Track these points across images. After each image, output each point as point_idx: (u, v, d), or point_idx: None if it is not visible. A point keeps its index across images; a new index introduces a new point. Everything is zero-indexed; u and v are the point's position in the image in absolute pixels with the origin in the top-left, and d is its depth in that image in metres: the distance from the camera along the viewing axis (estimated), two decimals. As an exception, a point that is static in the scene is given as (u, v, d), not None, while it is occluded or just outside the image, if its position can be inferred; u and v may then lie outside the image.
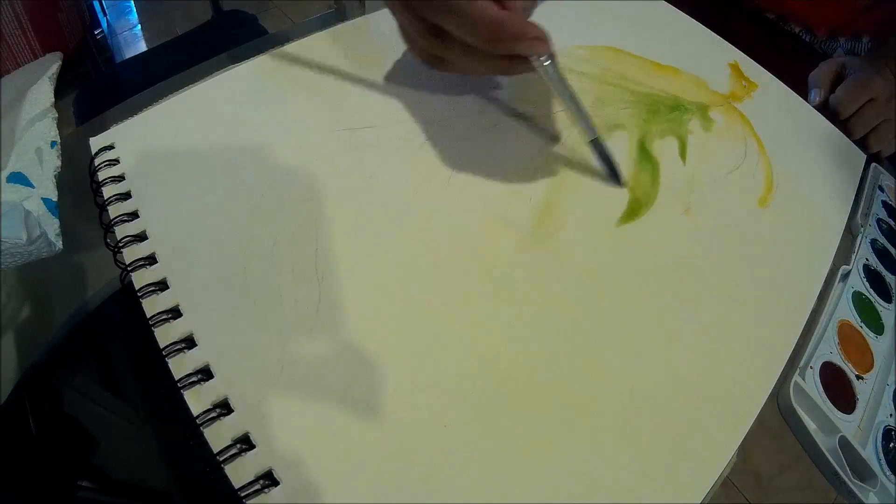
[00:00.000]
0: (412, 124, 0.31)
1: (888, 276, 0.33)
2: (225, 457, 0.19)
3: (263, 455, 0.20)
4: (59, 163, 0.28)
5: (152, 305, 0.23)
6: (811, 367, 0.28)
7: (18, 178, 0.27)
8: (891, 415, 0.28)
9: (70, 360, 0.29)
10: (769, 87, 0.39)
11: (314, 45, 0.35)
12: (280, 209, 0.26)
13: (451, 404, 0.22)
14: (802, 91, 0.41)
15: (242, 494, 0.19)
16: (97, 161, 0.28)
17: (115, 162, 0.28)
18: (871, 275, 0.33)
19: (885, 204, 0.37)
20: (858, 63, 0.43)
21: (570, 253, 0.27)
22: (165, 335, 0.22)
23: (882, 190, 0.38)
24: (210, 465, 0.19)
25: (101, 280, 0.30)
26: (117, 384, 0.29)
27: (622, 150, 0.32)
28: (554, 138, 0.32)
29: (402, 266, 0.25)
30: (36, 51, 0.40)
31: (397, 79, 0.33)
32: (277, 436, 0.20)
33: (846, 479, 0.25)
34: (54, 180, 0.28)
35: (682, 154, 0.33)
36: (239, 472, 0.19)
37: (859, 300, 0.31)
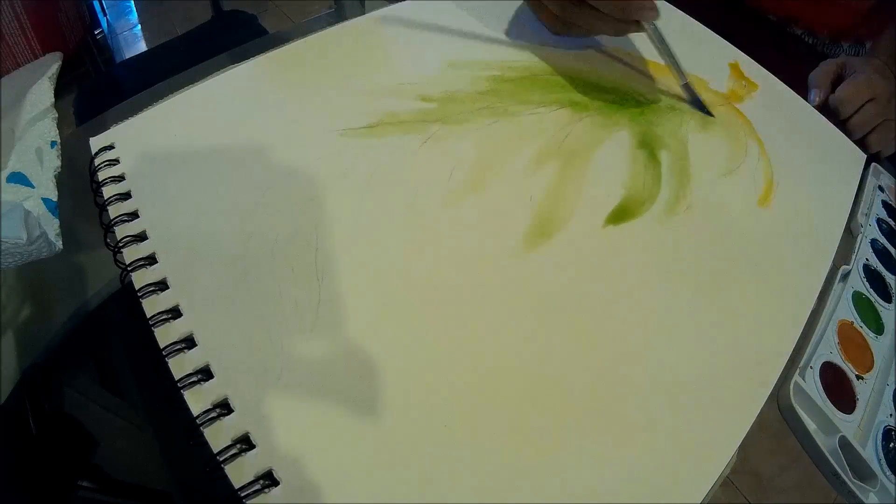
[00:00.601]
0: (412, 124, 0.31)
1: (888, 276, 0.33)
2: (225, 457, 0.19)
3: (263, 455, 0.20)
4: (59, 163, 0.28)
5: (152, 305, 0.23)
6: (811, 367, 0.28)
7: (18, 178, 0.27)
8: (891, 415, 0.28)
9: (70, 360, 0.29)
10: (769, 87, 0.39)
11: (314, 45, 0.35)
12: (280, 209, 0.26)
13: (451, 404, 0.22)
14: (803, 91, 0.41)
15: (242, 494, 0.19)
16: (97, 161, 0.28)
17: (115, 162, 0.28)
18: (872, 275, 0.33)
19: (885, 204, 0.37)
20: (858, 63, 0.43)
21: (571, 252, 0.27)
22: (165, 335, 0.22)
23: (882, 190, 0.38)
24: (210, 465, 0.19)
25: (101, 280, 0.30)
26: (117, 384, 0.29)
27: (623, 150, 0.32)
28: (555, 136, 0.32)
29: (402, 266, 0.25)
30: (36, 51, 0.40)
31: (397, 77, 0.33)
32: (277, 436, 0.20)
33: (846, 479, 0.25)
34: (54, 180, 0.28)
35: (683, 154, 0.33)
36: (239, 472, 0.19)
37: (859, 300, 0.31)
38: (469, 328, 0.24)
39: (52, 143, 0.29)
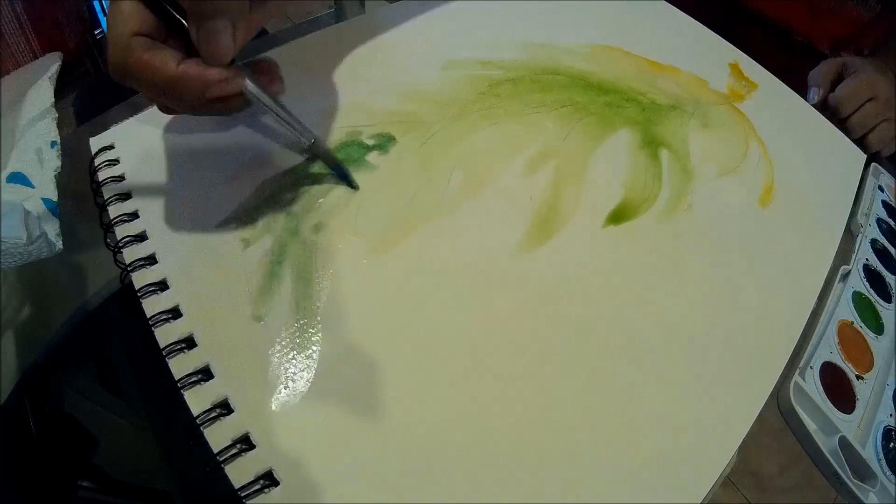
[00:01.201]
0: (412, 123, 0.31)
1: (888, 276, 0.33)
2: (225, 457, 0.19)
3: (263, 455, 0.20)
4: (59, 163, 0.28)
5: (152, 305, 0.23)
6: (811, 368, 0.28)
7: (18, 178, 0.27)
8: (891, 415, 0.28)
9: (70, 360, 0.29)
10: (769, 87, 0.39)
11: (314, 45, 0.35)
12: (280, 209, 0.26)
13: (450, 404, 0.22)
14: (804, 92, 0.41)
15: (242, 494, 0.19)
16: (97, 161, 0.28)
17: (115, 162, 0.28)
18: (871, 275, 0.33)
19: (885, 204, 0.37)
20: (859, 62, 0.43)
21: (571, 252, 0.27)
22: (165, 335, 0.22)
23: (882, 190, 0.38)
24: (210, 465, 0.19)
25: (101, 280, 0.30)
26: (117, 384, 0.29)
27: (623, 150, 0.32)
28: (554, 136, 0.32)
29: (402, 266, 0.25)
30: (36, 51, 0.40)
31: (397, 77, 0.33)
32: (277, 436, 0.20)
33: (846, 479, 0.25)
34: (54, 180, 0.28)
35: (683, 154, 0.33)
36: (239, 472, 0.19)
37: (859, 300, 0.31)
38: (469, 328, 0.24)
39: (53, 144, 0.29)
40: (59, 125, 0.30)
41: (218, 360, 0.22)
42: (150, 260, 0.24)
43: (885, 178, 0.39)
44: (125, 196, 0.27)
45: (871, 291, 0.32)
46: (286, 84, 0.26)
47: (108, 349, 0.30)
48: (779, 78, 0.40)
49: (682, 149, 0.33)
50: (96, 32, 0.52)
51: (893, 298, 0.33)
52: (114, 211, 0.26)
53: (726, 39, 0.42)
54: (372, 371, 0.22)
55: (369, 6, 0.41)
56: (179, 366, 0.22)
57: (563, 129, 0.32)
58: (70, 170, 0.29)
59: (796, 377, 0.26)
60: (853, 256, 0.33)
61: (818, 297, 0.28)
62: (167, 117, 0.30)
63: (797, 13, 0.50)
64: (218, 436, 0.20)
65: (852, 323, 0.30)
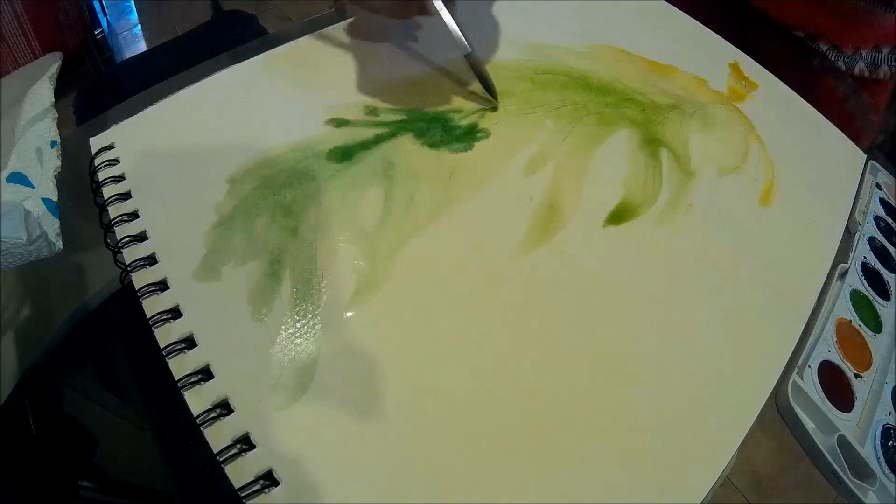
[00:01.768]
0: (412, 123, 0.31)
1: (886, 275, 0.33)
2: (225, 457, 0.20)
3: (263, 455, 0.20)
4: (59, 163, 0.28)
5: (152, 305, 0.23)
6: (809, 367, 0.28)
7: (18, 178, 0.27)
8: (889, 413, 0.28)
9: (70, 360, 0.29)
10: (769, 87, 0.39)
11: (314, 44, 0.35)
12: (280, 209, 0.26)
13: (451, 403, 0.22)
14: (804, 92, 0.41)
15: (242, 494, 0.19)
16: (97, 161, 0.28)
17: (115, 162, 0.28)
18: (869, 273, 0.33)
19: (882, 201, 0.37)
20: None
21: (571, 252, 0.27)
22: (165, 335, 0.22)
23: (880, 188, 0.38)
24: (210, 465, 0.19)
25: (101, 280, 0.30)
26: (117, 384, 0.29)
27: (623, 150, 0.32)
28: (555, 136, 0.32)
29: (402, 266, 0.25)
30: (36, 51, 0.40)
31: (397, 77, 0.33)
32: (277, 436, 0.20)
33: (845, 479, 0.25)
34: (54, 180, 0.28)
35: (683, 154, 0.33)
36: (239, 472, 0.19)
37: (857, 298, 0.31)
38: (469, 328, 0.24)
39: (53, 143, 0.29)
40: (59, 125, 0.30)
41: (218, 360, 0.22)
42: (150, 260, 0.24)
43: (883, 175, 0.39)
44: (125, 196, 0.27)
45: (870, 290, 0.32)
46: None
47: (108, 349, 0.30)
48: (779, 78, 0.40)
49: (682, 149, 0.33)
50: (96, 32, 0.52)
51: (892, 296, 0.33)
52: (114, 211, 0.26)
53: (726, 39, 0.42)
54: (372, 371, 0.22)
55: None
56: (179, 366, 0.22)
57: (563, 129, 0.32)
58: (70, 170, 0.29)
59: (794, 376, 0.26)
60: (851, 255, 0.33)
61: (818, 297, 0.28)
62: (167, 117, 0.30)
63: (825, 19, 0.50)
64: (218, 436, 0.20)
65: (851, 321, 0.30)
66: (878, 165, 0.39)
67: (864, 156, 0.38)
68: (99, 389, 0.29)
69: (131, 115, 0.30)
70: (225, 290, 0.24)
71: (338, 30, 0.36)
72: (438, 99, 0.33)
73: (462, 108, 0.32)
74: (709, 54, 0.40)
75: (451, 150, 0.30)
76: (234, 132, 0.30)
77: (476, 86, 0.33)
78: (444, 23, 0.30)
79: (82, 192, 0.28)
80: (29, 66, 0.36)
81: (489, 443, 0.21)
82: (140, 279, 0.24)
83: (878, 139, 0.47)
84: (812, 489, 0.26)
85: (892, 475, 0.26)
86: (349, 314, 0.23)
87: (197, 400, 0.21)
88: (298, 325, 0.23)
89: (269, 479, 0.19)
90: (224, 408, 0.21)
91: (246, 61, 0.34)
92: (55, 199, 0.27)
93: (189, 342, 0.22)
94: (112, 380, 0.29)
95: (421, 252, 0.26)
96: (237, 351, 0.22)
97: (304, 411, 0.21)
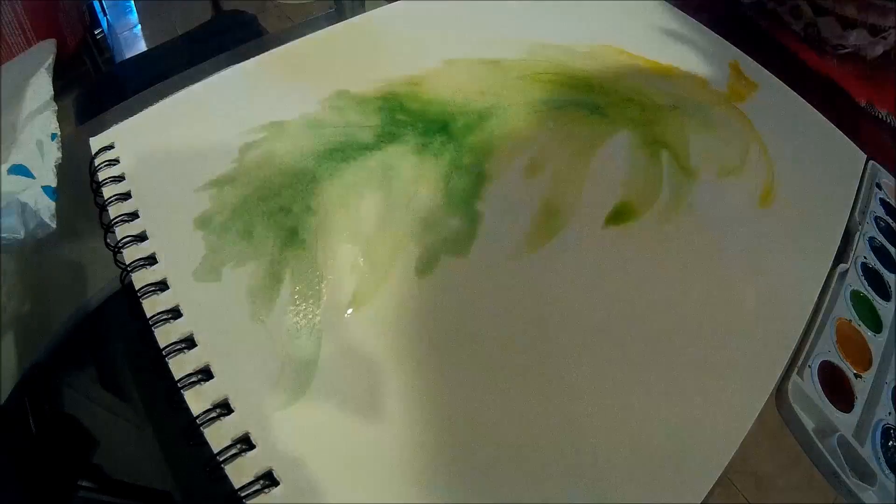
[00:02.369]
0: (412, 124, 0.31)
1: (886, 274, 0.33)
2: (225, 457, 0.20)
3: (263, 455, 0.20)
4: (59, 154, 0.28)
5: (152, 305, 0.23)
6: (809, 367, 0.28)
7: (20, 170, 0.27)
8: (889, 413, 0.28)
9: (70, 360, 0.29)
10: (769, 87, 0.39)
11: (314, 44, 0.35)
12: (280, 209, 0.26)
13: (451, 403, 0.22)
14: (804, 92, 0.41)
15: (242, 494, 0.19)
16: (97, 161, 0.28)
17: (115, 162, 0.28)
18: (869, 273, 0.33)
19: (882, 201, 0.37)
20: None
21: (571, 253, 0.27)
22: (165, 335, 0.22)
23: (880, 187, 0.38)
24: (210, 465, 0.19)
25: (101, 280, 0.30)
26: (117, 384, 0.29)
27: (623, 150, 0.32)
28: (555, 136, 0.32)
29: (403, 266, 0.25)
30: (36, 51, 0.40)
31: (397, 78, 0.33)
32: (277, 436, 0.20)
33: (845, 479, 0.25)
34: (55, 170, 0.28)
35: (683, 154, 0.33)
36: (239, 472, 0.19)
37: (857, 298, 0.31)
38: (469, 328, 0.24)
39: (53, 136, 0.29)
40: (59, 125, 0.30)
41: (218, 360, 0.22)
42: (150, 260, 0.24)
43: (883, 175, 0.39)
44: (125, 196, 0.27)
45: (870, 290, 0.32)
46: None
47: (108, 349, 0.30)
48: (779, 78, 0.40)
49: (682, 149, 0.33)
50: (96, 32, 0.52)
51: (892, 296, 0.33)
52: (114, 211, 0.26)
53: (726, 39, 0.42)
54: (372, 371, 0.22)
55: (370, 6, 0.41)
56: (179, 366, 0.22)
57: (563, 129, 0.32)
58: (70, 170, 0.29)
59: (794, 376, 0.26)
60: (851, 255, 0.33)
61: (818, 297, 0.28)
62: (167, 117, 0.30)
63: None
64: (218, 436, 0.20)
65: (851, 321, 0.30)
66: (878, 166, 0.39)
67: (864, 156, 0.38)
68: (99, 389, 0.29)
69: (131, 115, 0.30)
70: (225, 290, 0.24)
71: (338, 30, 0.36)
72: (438, 99, 0.33)
73: (462, 109, 0.32)
74: (709, 54, 0.40)
75: (450, 151, 0.30)
76: (234, 132, 0.30)
77: (476, 85, 0.33)
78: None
79: (82, 193, 0.28)
80: (23, 55, 0.36)
81: (488, 442, 0.21)
82: (140, 279, 0.24)
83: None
84: (812, 489, 0.26)
85: (892, 475, 0.26)
86: (349, 314, 0.23)
87: (197, 400, 0.21)
88: (298, 325, 0.23)
89: (269, 479, 0.19)
90: (224, 408, 0.21)
91: (246, 61, 0.34)
92: (54, 185, 0.27)
93: (189, 342, 0.22)
94: (112, 380, 0.29)
95: (422, 250, 0.26)
96: (237, 351, 0.22)
97: (304, 411, 0.21)
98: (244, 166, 0.28)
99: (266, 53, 0.34)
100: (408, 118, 0.31)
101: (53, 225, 0.26)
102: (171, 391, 0.21)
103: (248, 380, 0.21)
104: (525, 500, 0.20)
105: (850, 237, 0.34)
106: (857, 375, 0.29)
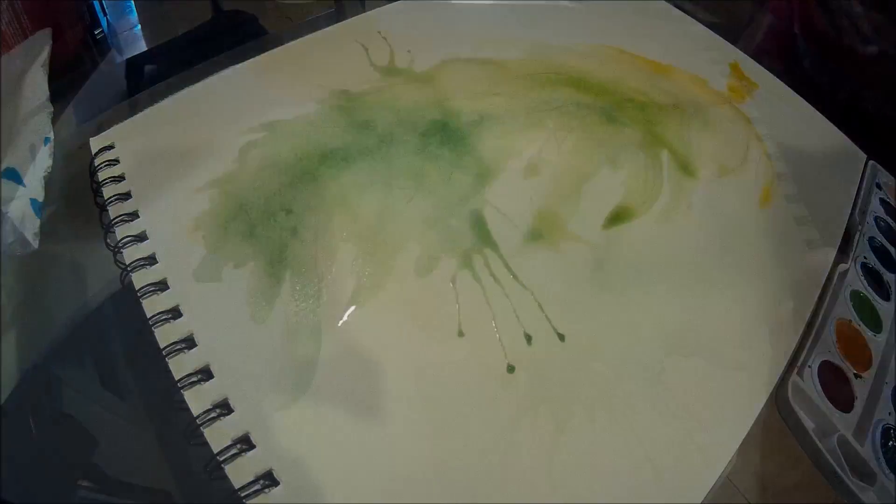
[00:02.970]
0: (412, 124, 0.31)
1: (886, 275, 0.33)
2: (225, 457, 0.20)
3: (263, 455, 0.20)
4: (50, 162, 0.28)
5: (152, 305, 0.23)
6: (809, 367, 0.28)
7: (12, 175, 0.27)
8: (889, 413, 0.28)
9: (70, 360, 0.29)
10: (769, 87, 0.39)
11: (314, 44, 0.35)
12: (280, 210, 0.26)
13: (451, 403, 0.22)
14: (804, 92, 0.41)
15: (242, 494, 0.19)
16: (97, 161, 0.28)
17: (115, 162, 0.28)
18: (870, 273, 0.33)
19: (882, 201, 0.37)
20: None
21: (571, 253, 0.27)
22: (165, 335, 0.22)
23: (880, 187, 0.38)
24: (210, 465, 0.19)
25: (101, 280, 0.30)
26: (117, 384, 0.29)
27: (624, 150, 0.32)
28: (555, 136, 0.32)
29: (403, 265, 0.25)
30: (35, 51, 0.40)
31: (397, 78, 0.33)
32: (277, 436, 0.20)
33: (845, 478, 0.25)
34: (43, 181, 0.28)
35: (683, 154, 0.33)
36: (239, 472, 0.19)
37: (857, 298, 0.31)
38: (469, 327, 0.24)
39: (46, 140, 0.29)
40: (59, 125, 0.30)
41: (218, 360, 0.22)
42: (150, 260, 0.24)
43: (883, 175, 0.39)
44: (125, 196, 0.27)
45: (870, 290, 0.32)
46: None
47: (108, 349, 0.30)
48: (779, 78, 0.40)
49: (682, 149, 0.33)
50: (96, 32, 0.52)
51: (892, 296, 0.33)
52: (114, 211, 0.26)
53: (726, 39, 0.42)
54: (372, 371, 0.22)
55: (370, 6, 0.41)
56: (179, 366, 0.22)
57: (563, 129, 0.32)
58: (70, 170, 0.29)
59: (794, 376, 0.26)
60: (851, 255, 0.33)
61: (818, 297, 0.28)
62: (167, 117, 0.30)
63: None
64: (218, 436, 0.20)
65: (851, 321, 0.30)
66: (878, 166, 0.39)
67: (864, 156, 0.38)
68: (99, 389, 0.29)
69: (131, 115, 0.30)
70: (225, 290, 0.24)
71: (338, 30, 0.36)
72: (438, 99, 0.33)
73: (462, 109, 0.32)
74: (709, 54, 0.40)
75: (450, 151, 0.30)
76: (234, 132, 0.30)
77: (476, 85, 0.33)
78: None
79: (82, 192, 0.28)
80: (18, 48, 0.36)
81: (490, 440, 0.21)
82: (140, 279, 0.24)
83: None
84: (812, 489, 0.26)
85: (892, 475, 0.26)
86: (349, 314, 0.23)
87: (197, 400, 0.21)
88: (298, 325, 0.23)
89: (268, 479, 0.19)
90: (224, 408, 0.21)
91: (246, 61, 0.34)
92: (41, 199, 0.27)
93: (189, 342, 0.22)
94: (112, 380, 0.29)
95: (422, 251, 0.26)
96: (237, 351, 0.22)
97: (304, 411, 0.21)
98: (244, 166, 0.28)
99: (266, 53, 0.34)
100: (408, 118, 0.31)
101: (36, 244, 0.26)
102: (171, 391, 0.21)
103: (248, 380, 0.21)
104: (526, 496, 0.20)
105: (850, 237, 0.33)
106: (857, 375, 0.29)
